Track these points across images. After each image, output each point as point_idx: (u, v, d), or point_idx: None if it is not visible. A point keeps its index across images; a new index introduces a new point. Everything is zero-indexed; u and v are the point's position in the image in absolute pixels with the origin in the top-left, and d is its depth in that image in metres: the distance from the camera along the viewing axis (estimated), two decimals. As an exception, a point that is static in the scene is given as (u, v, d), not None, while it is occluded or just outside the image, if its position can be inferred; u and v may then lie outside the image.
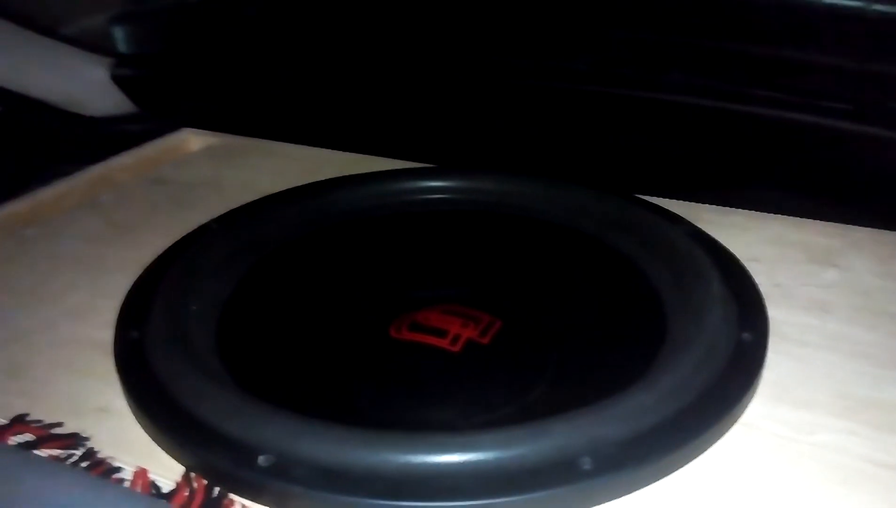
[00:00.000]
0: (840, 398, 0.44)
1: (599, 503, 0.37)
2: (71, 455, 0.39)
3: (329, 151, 0.80)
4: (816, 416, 0.42)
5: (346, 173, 0.69)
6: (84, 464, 0.38)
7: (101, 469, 0.38)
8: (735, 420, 0.42)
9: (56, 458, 0.39)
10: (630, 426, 0.39)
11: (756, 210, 0.64)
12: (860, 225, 0.61)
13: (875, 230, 0.60)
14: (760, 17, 0.62)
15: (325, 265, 0.61)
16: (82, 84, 0.95)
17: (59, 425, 0.42)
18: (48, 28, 0.94)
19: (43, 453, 0.39)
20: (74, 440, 0.40)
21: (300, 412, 0.39)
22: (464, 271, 0.62)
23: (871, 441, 0.40)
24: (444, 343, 0.52)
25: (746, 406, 0.43)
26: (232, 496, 0.37)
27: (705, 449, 0.40)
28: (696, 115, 0.67)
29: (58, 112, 0.95)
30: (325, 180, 0.68)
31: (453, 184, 0.67)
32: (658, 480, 0.38)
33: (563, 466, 0.37)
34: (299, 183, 0.69)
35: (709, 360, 0.43)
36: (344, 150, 0.79)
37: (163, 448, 0.40)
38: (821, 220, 0.62)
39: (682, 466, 0.39)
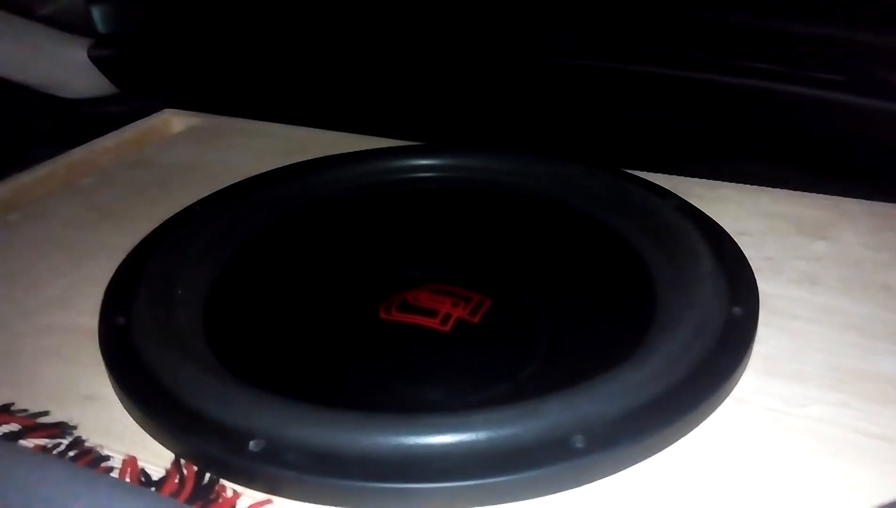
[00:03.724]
0: (831, 371, 0.44)
1: (592, 480, 0.37)
2: (58, 445, 0.38)
3: (314, 130, 0.79)
4: (808, 389, 0.42)
5: (332, 153, 0.68)
6: (71, 453, 0.38)
7: (89, 459, 0.37)
8: (727, 395, 0.42)
9: (42, 448, 0.38)
10: (622, 403, 0.39)
11: (745, 183, 0.64)
12: (850, 196, 0.61)
13: (865, 201, 0.60)
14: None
15: (313, 247, 0.61)
16: (61, 66, 0.93)
17: (45, 414, 0.41)
18: (24, 9, 0.92)
19: (29, 442, 0.39)
20: (61, 429, 0.40)
21: (290, 395, 0.39)
22: (453, 249, 0.61)
23: (863, 413, 0.40)
24: (434, 323, 0.51)
25: (738, 381, 0.43)
26: (223, 482, 0.37)
27: (697, 424, 0.40)
28: (685, 87, 0.67)
29: (36, 95, 0.93)
30: (311, 160, 0.68)
31: (441, 162, 0.66)
32: (651, 456, 0.38)
33: (555, 445, 0.37)
34: (284, 163, 0.68)
35: (700, 335, 0.43)
36: (329, 128, 0.78)
37: (151, 436, 0.40)
38: (811, 192, 0.62)
39: (674, 442, 0.39)
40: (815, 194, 0.61)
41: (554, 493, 0.37)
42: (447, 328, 0.51)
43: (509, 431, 0.37)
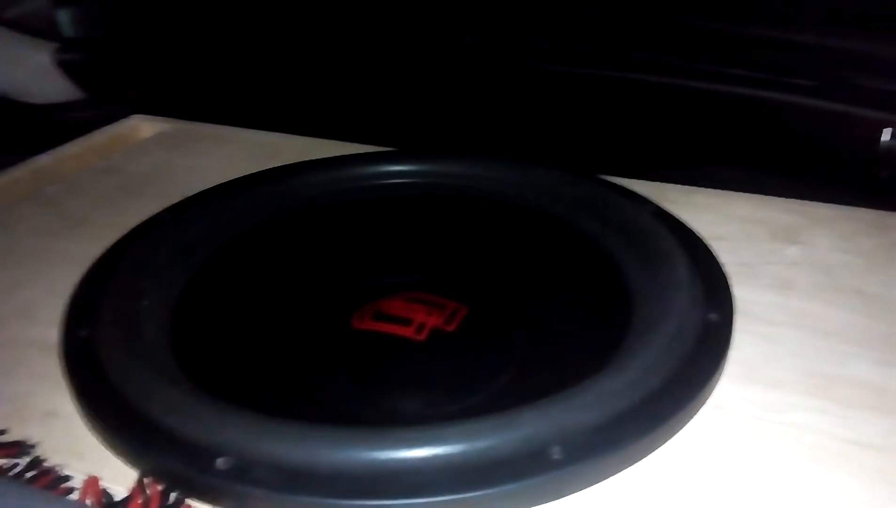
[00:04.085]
0: (808, 377, 0.44)
1: (572, 492, 0.37)
2: (15, 465, 0.37)
3: (286, 135, 0.78)
4: (785, 395, 0.42)
5: (304, 159, 0.67)
6: (29, 474, 0.36)
7: (49, 479, 0.36)
8: (704, 402, 0.42)
9: (-1, 469, 0.37)
10: (599, 412, 0.38)
11: (720, 189, 0.64)
12: (824, 201, 0.61)
13: (837, 206, 0.61)
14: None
15: (284, 255, 0.60)
16: (25, 71, 0.92)
17: (2, 432, 0.39)
18: (-12, 12, 0.90)
19: (-16, 464, 0.37)
20: (19, 448, 0.38)
21: (260, 410, 0.38)
22: (427, 257, 0.61)
23: (840, 419, 0.40)
24: (408, 332, 0.50)
25: (715, 387, 0.43)
26: (189, 501, 0.35)
27: (676, 432, 0.40)
28: (659, 93, 0.67)
29: (1, 100, 0.91)
30: (283, 166, 0.66)
31: (415, 168, 0.65)
32: (630, 466, 0.38)
33: (532, 456, 0.36)
34: (255, 170, 0.66)
35: (676, 342, 0.43)
36: (301, 134, 0.77)
37: (115, 453, 0.38)
38: (785, 197, 0.62)
39: (653, 450, 0.39)
40: (788, 200, 0.62)
41: (532, 507, 0.36)
42: (422, 337, 0.50)
43: (484, 443, 0.36)
